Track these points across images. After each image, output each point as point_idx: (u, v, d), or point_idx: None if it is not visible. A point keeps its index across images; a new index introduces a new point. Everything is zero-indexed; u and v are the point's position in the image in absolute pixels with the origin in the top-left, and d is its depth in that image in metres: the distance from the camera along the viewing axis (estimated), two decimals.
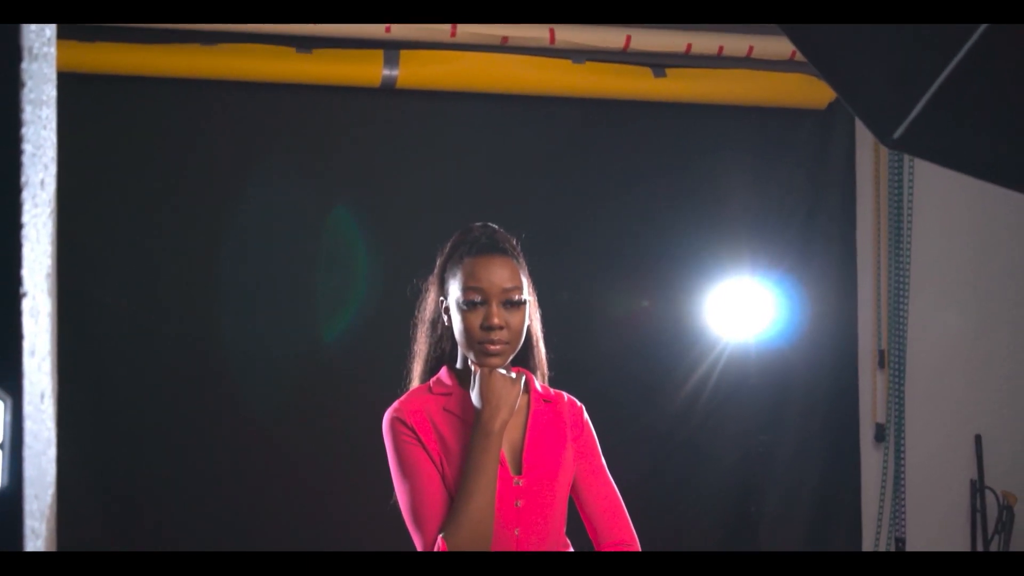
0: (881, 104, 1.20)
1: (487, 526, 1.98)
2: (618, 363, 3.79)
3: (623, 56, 3.74)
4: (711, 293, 3.84)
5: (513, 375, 2.06)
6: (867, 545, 3.99)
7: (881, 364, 4.02)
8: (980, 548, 3.90)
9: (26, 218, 0.76)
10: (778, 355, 3.89)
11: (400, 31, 3.53)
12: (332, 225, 3.63)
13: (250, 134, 3.60)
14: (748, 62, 3.83)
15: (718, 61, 3.82)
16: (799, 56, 3.79)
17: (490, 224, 2.18)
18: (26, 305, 0.76)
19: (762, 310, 3.85)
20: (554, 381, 2.28)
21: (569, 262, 3.74)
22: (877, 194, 4.03)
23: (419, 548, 2.03)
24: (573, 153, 3.83)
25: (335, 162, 3.66)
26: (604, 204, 3.82)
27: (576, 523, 2.19)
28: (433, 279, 2.18)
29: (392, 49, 3.58)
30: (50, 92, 0.81)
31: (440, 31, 3.55)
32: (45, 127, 0.80)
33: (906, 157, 3.98)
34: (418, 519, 2.02)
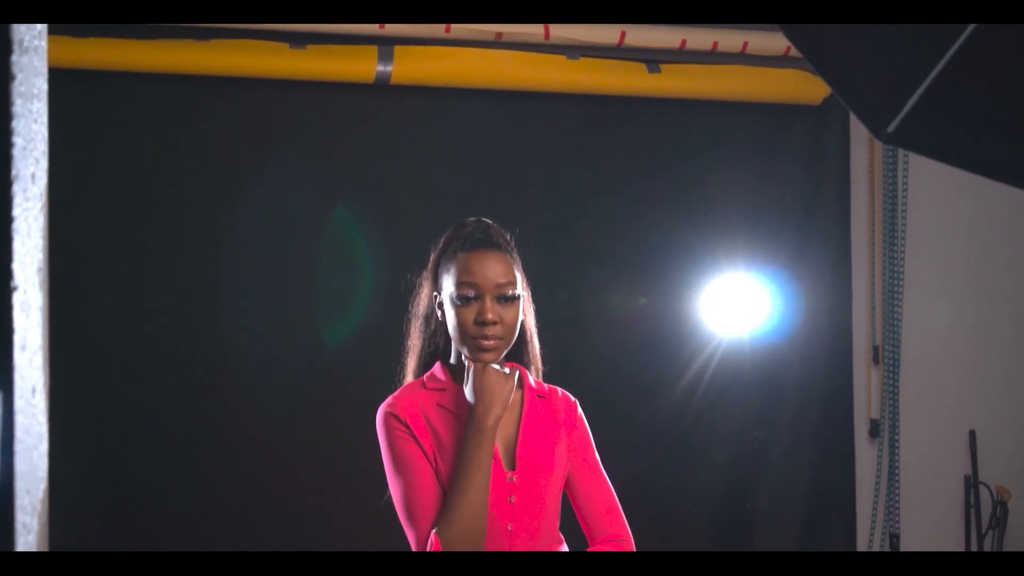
0: (875, 99, 1.20)
1: (480, 521, 1.98)
2: (613, 360, 3.79)
3: (617, 52, 3.74)
4: (705, 289, 3.84)
5: (507, 370, 2.06)
6: (861, 540, 4.00)
7: (875, 360, 4.03)
8: (974, 543, 3.90)
9: (17, 211, 0.76)
10: (773, 351, 3.89)
11: (394, 27, 3.53)
12: (327, 221, 3.62)
13: (244, 130, 3.59)
14: (742, 58, 3.84)
15: (712, 57, 3.83)
16: (793, 52, 3.79)
17: (484, 219, 2.18)
18: (17, 299, 0.76)
19: (757, 306, 3.85)
20: (548, 377, 2.28)
21: (563, 258, 3.74)
22: (871, 190, 4.04)
23: (412, 543, 2.03)
24: (567, 149, 3.83)
25: (329, 158, 3.66)
26: (598, 199, 3.82)
27: (570, 519, 2.19)
28: (427, 274, 2.18)
29: (386, 45, 3.57)
30: (41, 86, 0.81)
31: (434, 27, 3.55)
32: (36, 121, 0.80)
33: (900, 153, 3.99)
34: (412, 515, 2.02)
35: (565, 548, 2.17)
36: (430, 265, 2.18)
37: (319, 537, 3.52)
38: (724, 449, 3.89)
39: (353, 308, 3.61)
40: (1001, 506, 3.84)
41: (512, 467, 2.10)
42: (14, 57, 0.76)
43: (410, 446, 2.06)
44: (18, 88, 0.77)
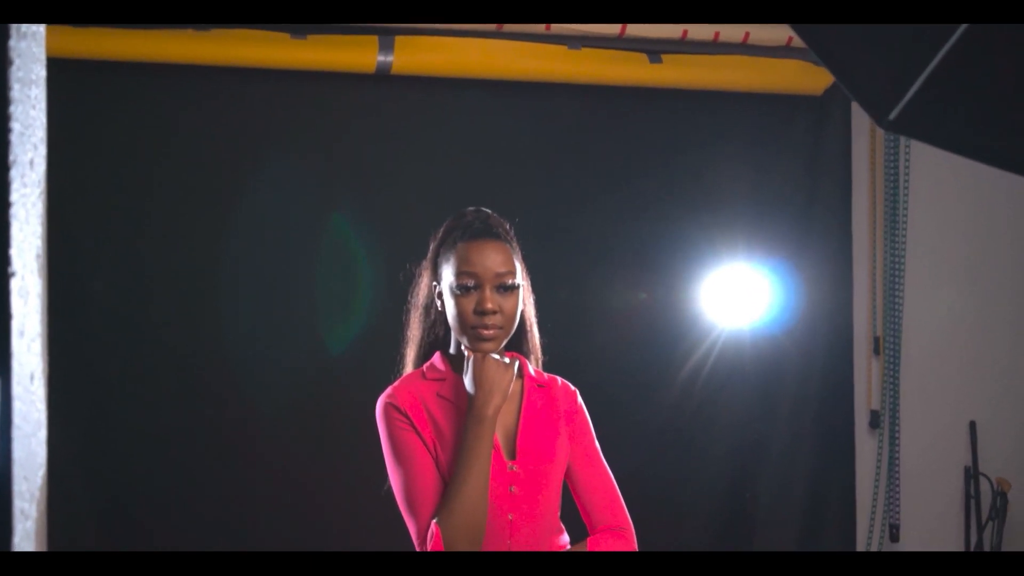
0: (878, 88, 1.21)
1: (481, 511, 1.98)
2: (613, 353, 3.79)
3: (619, 42, 3.73)
4: (706, 281, 3.84)
5: (507, 360, 2.06)
6: (861, 530, 4.00)
7: (876, 351, 4.03)
8: (974, 535, 3.91)
9: (15, 197, 0.76)
10: (773, 342, 3.89)
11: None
12: (327, 211, 3.61)
13: (243, 120, 3.58)
14: (744, 48, 3.83)
15: (714, 47, 3.82)
16: (795, 43, 3.78)
17: (483, 209, 2.18)
18: (15, 285, 0.76)
19: (757, 297, 3.85)
20: (548, 369, 2.27)
21: (564, 249, 3.73)
22: (873, 180, 4.03)
23: (413, 534, 2.03)
24: (568, 139, 3.82)
25: (330, 148, 3.65)
26: (599, 190, 3.81)
27: (570, 508, 2.19)
28: (426, 264, 2.18)
29: (387, 35, 3.57)
30: (39, 71, 0.80)
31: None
32: (34, 107, 0.79)
33: (902, 144, 3.98)
34: (412, 505, 2.02)
35: (566, 538, 2.17)
36: (429, 255, 2.17)
37: (319, 537, 3.50)
38: (725, 440, 3.89)
39: (354, 302, 3.60)
40: (1001, 497, 3.84)
41: (512, 457, 2.10)
42: (12, 42, 0.76)
43: (410, 436, 2.06)
44: (16, 73, 0.77)
